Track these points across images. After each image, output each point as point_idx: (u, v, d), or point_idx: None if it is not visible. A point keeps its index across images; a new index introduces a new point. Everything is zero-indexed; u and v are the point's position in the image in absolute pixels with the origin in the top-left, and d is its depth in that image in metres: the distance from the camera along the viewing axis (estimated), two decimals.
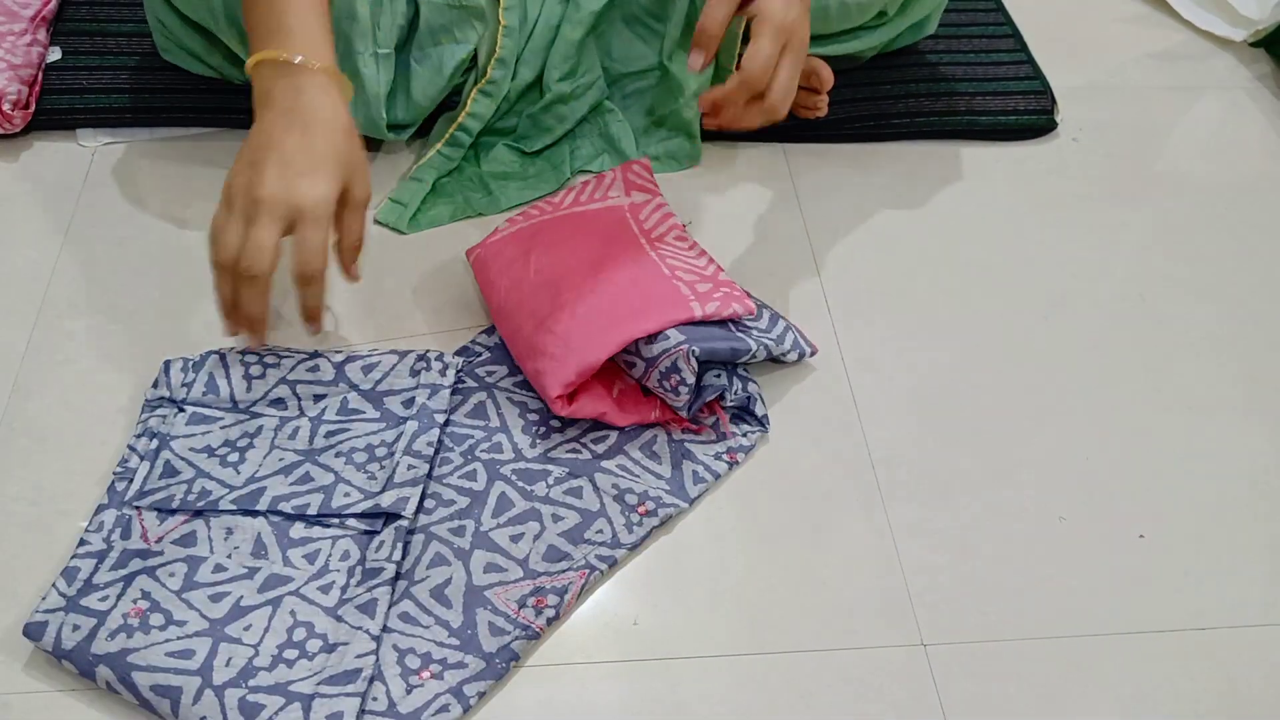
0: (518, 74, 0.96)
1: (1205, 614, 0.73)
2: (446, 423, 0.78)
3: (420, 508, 0.73)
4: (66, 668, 0.65)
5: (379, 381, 0.79)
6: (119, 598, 0.67)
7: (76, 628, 0.65)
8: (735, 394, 0.78)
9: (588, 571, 0.71)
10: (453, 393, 0.79)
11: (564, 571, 0.71)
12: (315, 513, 0.71)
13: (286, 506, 0.72)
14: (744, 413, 0.80)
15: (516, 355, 0.80)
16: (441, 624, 0.68)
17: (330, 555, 0.70)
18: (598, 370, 0.75)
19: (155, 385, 0.78)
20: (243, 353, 0.79)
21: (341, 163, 0.73)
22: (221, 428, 0.76)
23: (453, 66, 0.93)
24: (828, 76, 0.97)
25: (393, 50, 0.90)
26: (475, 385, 0.81)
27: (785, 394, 0.83)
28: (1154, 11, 1.23)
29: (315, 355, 0.79)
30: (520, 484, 0.75)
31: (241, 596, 0.68)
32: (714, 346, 0.75)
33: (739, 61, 0.79)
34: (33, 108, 0.97)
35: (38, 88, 0.99)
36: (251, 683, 0.64)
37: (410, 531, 0.72)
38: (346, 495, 0.72)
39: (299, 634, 0.66)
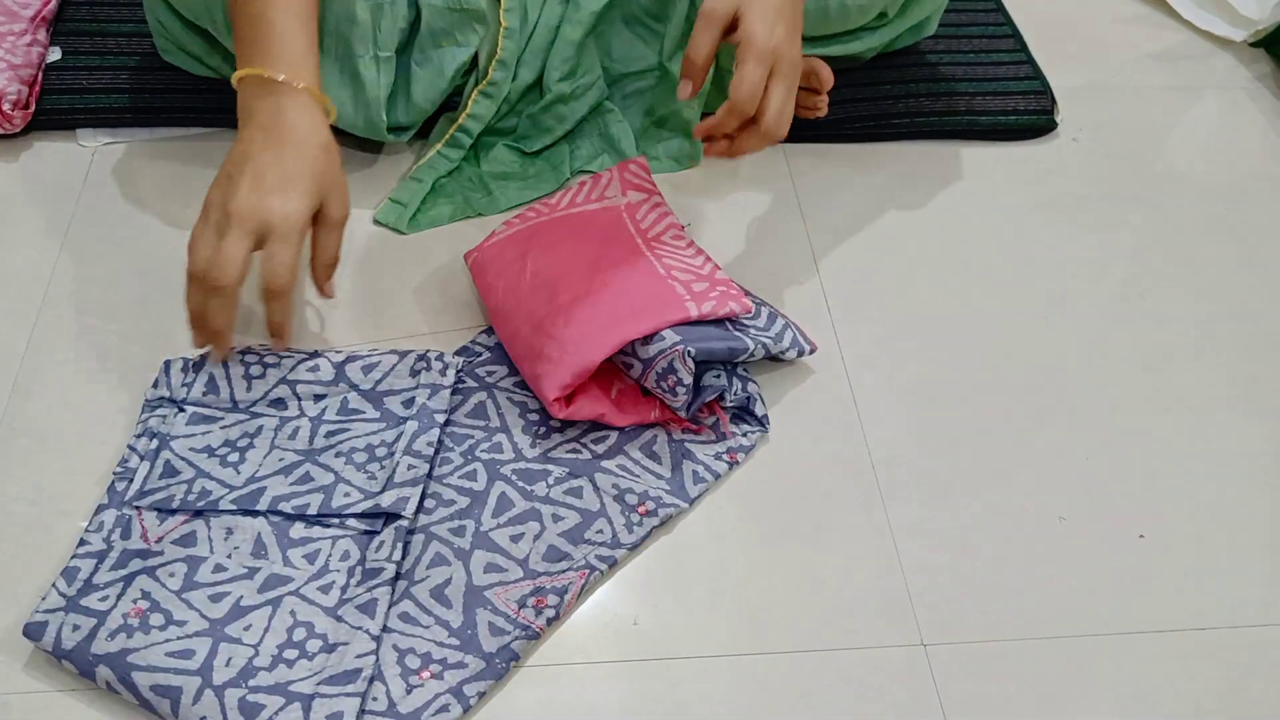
0: (518, 75, 0.96)
1: (1205, 614, 0.73)
2: (447, 423, 0.78)
3: (420, 508, 0.73)
4: (66, 668, 0.65)
5: (379, 381, 0.79)
6: (119, 598, 0.67)
7: (76, 628, 0.65)
8: (735, 394, 0.78)
9: (588, 571, 0.71)
10: (453, 393, 0.79)
11: (564, 571, 0.71)
12: (315, 513, 0.71)
13: (286, 506, 0.72)
14: (744, 413, 0.80)
15: (514, 358, 0.80)
16: (441, 624, 0.68)
17: (330, 555, 0.70)
18: (596, 371, 0.75)
19: (155, 385, 0.78)
20: (243, 352, 0.79)
21: (317, 181, 0.74)
22: (221, 428, 0.76)
23: (454, 69, 0.93)
24: (827, 77, 0.96)
25: (394, 53, 0.90)
26: (475, 385, 0.81)
27: (785, 394, 0.83)
28: (1154, 11, 1.23)
29: (315, 355, 0.79)
30: (520, 484, 0.75)
31: (241, 596, 0.68)
32: (711, 346, 0.75)
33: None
34: (33, 108, 0.97)
35: (38, 88, 0.99)
36: (251, 683, 0.64)
37: (410, 531, 0.72)
38: (346, 495, 0.72)
39: (299, 634, 0.66)
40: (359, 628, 0.66)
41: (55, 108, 0.98)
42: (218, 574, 0.69)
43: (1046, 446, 0.81)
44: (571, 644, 0.69)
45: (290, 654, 0.65)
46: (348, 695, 0.63)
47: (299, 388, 0.78)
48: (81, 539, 0.70)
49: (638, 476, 0.76)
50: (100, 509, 0.72)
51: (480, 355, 0.83)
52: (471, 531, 0.72)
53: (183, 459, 0.74)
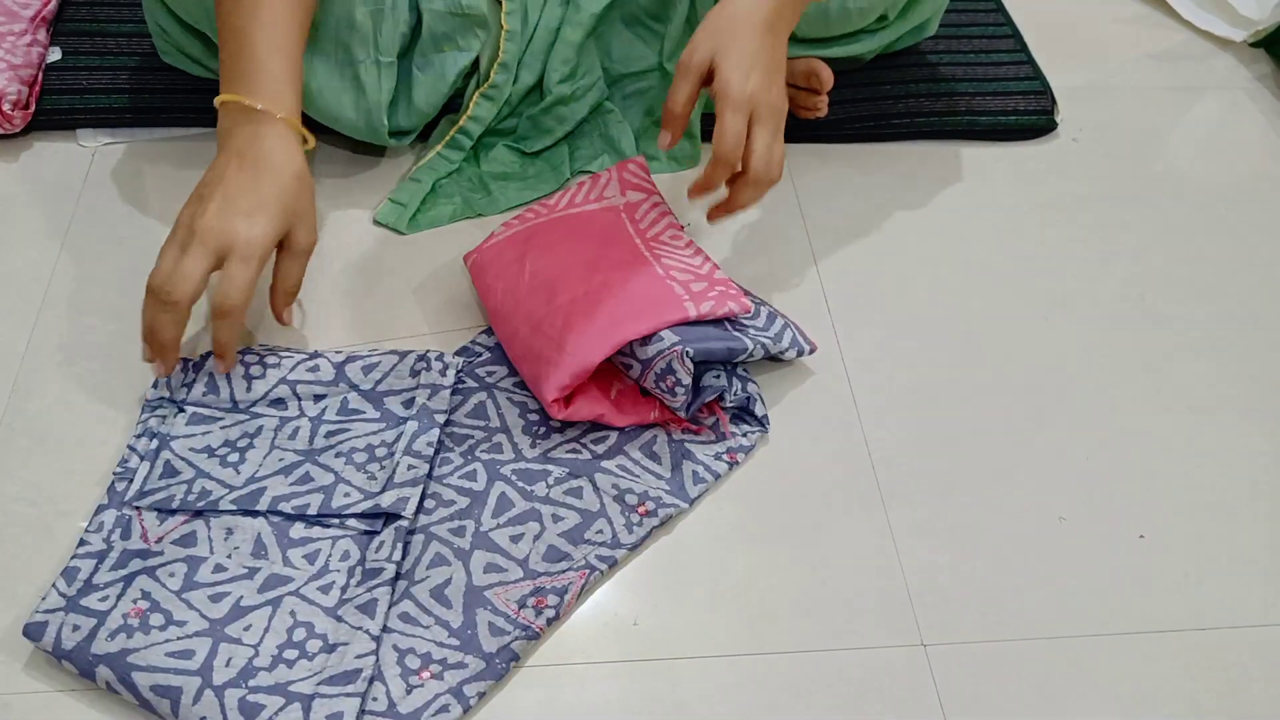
0: (519, 77, 0.96)
1: (1205, 614, 0.73)
2: (447, 423, 0.78)
3: (420, 508, 0.73)
4: (66, 668, 0.65)
5: (379, 382, 0.79)
6: (119, 598, 0.67)
7: (76, 628, 0.65)
8: (735, 394, 0.78)
9: (588, 572, 0.71)
10: (453, 393, 0.79)
11: (564, 572, 0.71)
12: (315, 513, 0.71)
13: (286, 506, 0.72)
14: (744, 413, 0.80)
15: (513, 358, 0.80)
16: (441, 624, 0.68)
17: (330, 555, 0.70)
18: (595, 372, 0.75)
19: (155, 385, 0.78)
20: (242, 352, 0.79)
21: (286, 208, 0.75)
22: (221, 428, 0.76)
23: (455, 73, 0.93)
24: (827, 77, 0.97)
25: (395, 58, 0.90)
26: (475, 385, 0.81)
27: (785, 394, 0.83)
28: (1154, 11, 1.23)
29: (315, 355, 0.79)
30: (520, 484, 0.75)
31: (241, 597, 0.68)
32: (710, 347, 0.75)
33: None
34: (33, 108, 0.97)
35: (38, 88, 0.99)
36: (251, 683, 0.64)
37: (410, 531, 0.72)
38: (346, 495, 0.72)
39: (299, 634, 0.66)
40: (359, 628, 0.66)
41: (55, 108, 0.98)
42: (218, 574, 0.69)
43: (1046, 446, 0.81)
44: (571, 644, 0.69)
45: (290, 654, 0.65)
46: (348, 695, 0.63)
47: (299, 388, 0.78)
48: (81, 539, 0.70)
49: (638, 477, 0.76)
50: (100, 509, 0.72)
51: (480, 355, 0.83)
52: (471, 531, 0.72)
53: (183, 459, 0.74)
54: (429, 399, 0.77)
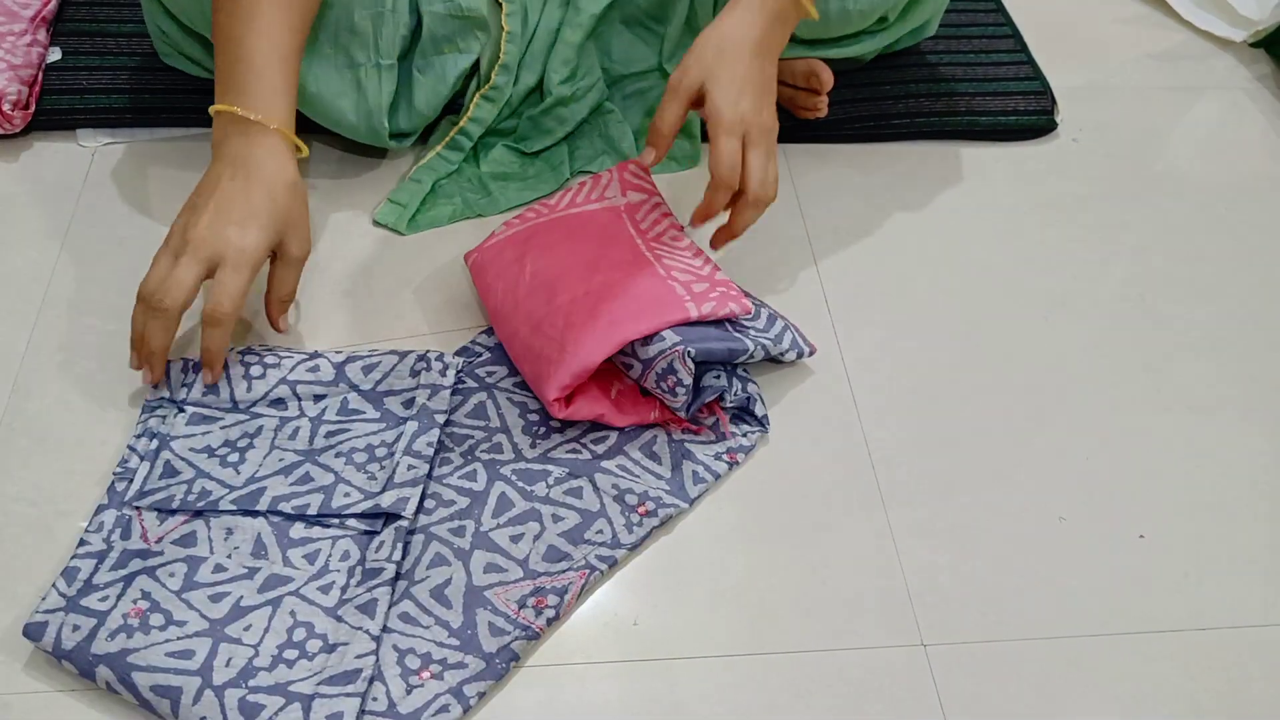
0: (519, 79, 0.96)
1: (1205, 614, 0.73)
2: (447, 423, 0.78)
3: (420, 508, 0.73)
4: (66, 668, 0.65)
5: (379, 382, 0.79)
6: (119, 598, 0.67)
7: (76, 628, 0.65)
8: (735, 394, 0.78)
9: (588, 572, 0.71)
10: (453, 393, 0.79)
11: (564, 572, 0.71)
12: (315, 513, 0.71)
13: (286, 507, 0.72)
14: (744, 413, 0.80)
15: (514, 358, 0.80)
16: (441, 624, 0.68)
17: (330, 555, 0.70)
18: (595, 372, 0.75)
19: (155, 386, 0.78)
20: (242, 353, 0.79)
21: (278, 218, 0.76)
22: (221, 428, 0.76)
23: (455, 75, 0.93)
24: (827, 78, 0.97)
25: (395, 61, 0.90)
26: (475, 385, 0.81)
27: (785, 394, 0.83)
28: (1154, 11, 1.23)
29: (315, 355, 0.79)
30: (520, 484, 0.75)
31: (241, 597, 0.68)
32: (710, 347, 0.75)
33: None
34: (33, 108, 0.97)
35: (38, 88, 0.99)
36: (251, 683, 0.64)
37: (410, 532, 0.72)
38: (346, 495, 0.72)
39: (299, 634, 0.66)
40: (359, 628, 0.66)
41: (55, 108, 0.98)
42: (218, 574, 0.69)
43: (1046, 446, 0.81)
44: (571, 644, 0.69)
45: (290, 654, 0.65)
46: (348, 695, 0.63)
47: (299, 388, 0.78)
48: (81, 539, 0.70)
49: (638, 477, 0.76)
50: (100, 509, 0.72)
51: (480, 355, 0.83)
52: (471, 532, 0.72)
53: (183, 459, 0.74)
54: (429, 399, 0.77)
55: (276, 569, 0.69)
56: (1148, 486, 0.80)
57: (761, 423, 0.79)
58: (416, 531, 0.72)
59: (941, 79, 1.08)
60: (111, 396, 0.79)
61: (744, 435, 0.79)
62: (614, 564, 0.72)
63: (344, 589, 0.69)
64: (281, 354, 0.79)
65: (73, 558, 0.69)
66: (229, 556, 0.70)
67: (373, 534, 0.71)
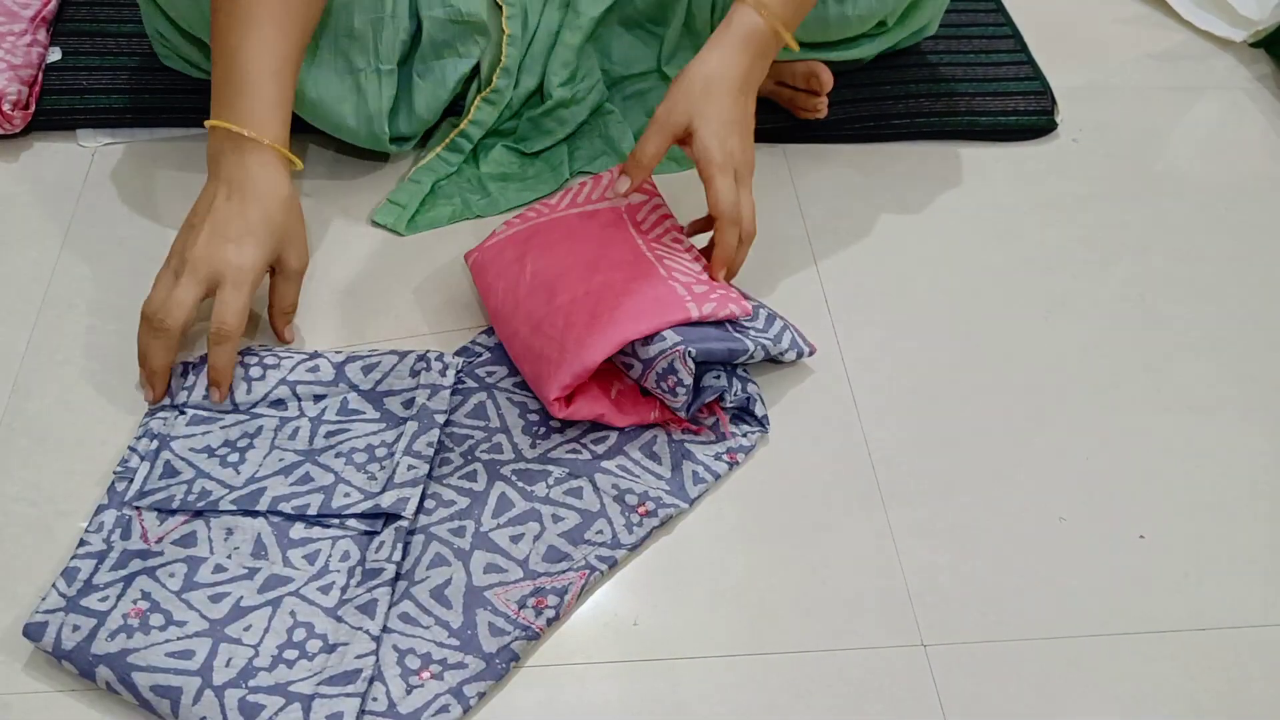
0: (520, 81, 0.96)
1: (1205, 614, 0.73)
2: (447, 423, 0.78)
3: (420, 508, 0.73)
4: (66, 668, 0.65)
5: (379, 382, 0.79)
6: (119, 598, 0.67)
7: (76, 628, 0.65)
8: (735, 395, 0.78)
9: (588, 572, 0.71)
10: (453, 393, 0.79)
11: (564, 572, 0.71)
12: (315, 513, 0.71)
13: (286, 507, 0.72)
14: (744, 413, 0.80)
15: (514, 358, 0.80)
16: (441, 624, 0.68)
17: (330, 556, 0.70)
18: (595, 372, 0.75)
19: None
20: (242, 354, 0.79)
21: (275, 234, 0.77)
22: (221, 428, 0.76)
23: (455, 79, 0.93)
24: (827, 79, 0.97)
25: (395, 66, 0.90)
26: (475, 386, 0.81)
27: (785, 394, 0.83)
28: (1154, 11, 1.23)
29: (315, 355, 0.79)
30: (520, 484, 0.75)
31: (241, 597, 0.68)
32: (711, 347, 0.75)
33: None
34: (33, 108, 0.97)
35: (38, 88, 0.99)
36: (251, 683, 0.64)
37: (410, 532, 0.72)
38: (346, 495, 0.72)
39: (299, 634, 0.66)
40: (359, 628, 0.66)
41: (55, 108, 0.98)
42: (218, 574, 0.69)
43: (1046, 446, 0.81)
44: (571, 644, 0.69)
45: (290, 654, 0.65)
46: (348, 695, 0.63)
47: (299, 388, 0.78)
48: (81, 539, 0.70)
49: (638, 477, 0.76)
50: (100, 509, 0.72)
51: (480, 355, 0.83)
52: (471, 532, 0.72)
53: (183, 459, 0.74)
54: (429, 399, 0.77)
55: (276, 569, 0.69)
56: (1148, 486, 0.80)
57: (761, 423, 0.79)
58: (416, 532, 0.72)
59: (941, 79, 1.08)
60: (111, 396, 0.79)
61: (744, 435, 0.79)
62: (614, 564, 0.72)
63: (344, 589, 0.69)
64: (281, 354, 0.79)
65: (73, 558, 0.69)
66: (229, 557, 0.70)
67: (373, 534, 0.71)
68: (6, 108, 0.94)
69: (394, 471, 0.73)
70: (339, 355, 0.80)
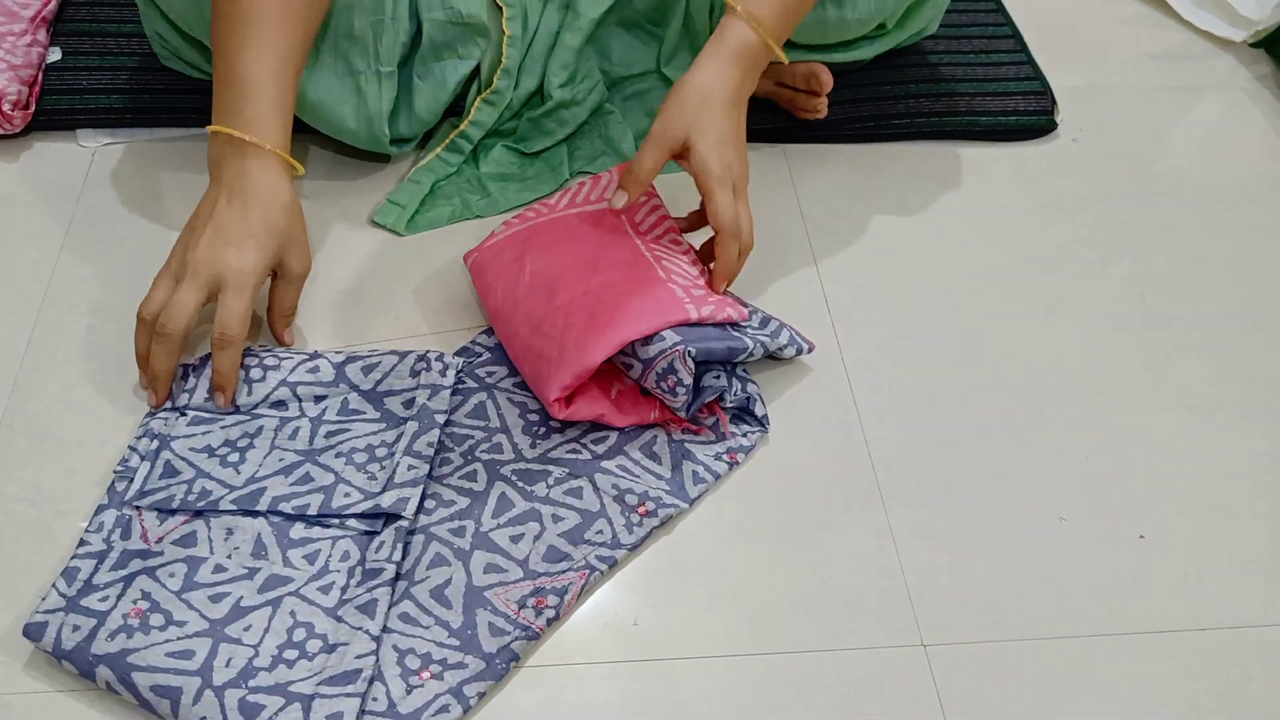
0: (520, 83, 0.96)
1: (1205, 614, 0.73)
2: (447, 423, 0.78)
3: (420, 508, 0.73)
4: (66, 668, 0.65)
5: (379, 382, 0.79)
6: (119, 598, 0.67)
7: (76, 628, 0.65)
8: (735, 394, 0.78)
9: (588, 572, 0.71)
10: (453, 393, 0.79)
11: (564, 572, 0.71)
12: (315, 513, 0.71)
13: (286, 507, 0.72)
14: (744, 413, 0.80)
15: (514, 358, 0.80)
16: (441, 624, 0.68)
17: (330, 556, 0.70)
18: (595, 372, 0.75)
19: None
20: (243, 354, 0.79)
21: (276, 238, 0.77)
22: (222, 428, 0.76)
23: (455, 81, 0.93)
24: (827, 80, 0.96)
25: (395, 68, 0.90)
26: (475, 386, 0.81)
27: (785, 394, 0.83)
28: (1154, 11, 1.23)
29: (315, 356, 0.79)
30: (520, 484, 0.75)
31: (241, 597, 0.68)
32: (710, 346, 0.75)
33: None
34: (33, 108, 0.97)
35: (38, 88, 0.99)
36: (251, 683, 0.64)
37: (410, 532, 0.72)
38: (346, 495, 0.72)
39: (299, 634, 0.66)
40: (359, 628, 0.66)
41: (55, 108, 0.98)
42: (218, 574, 0.69)
43: (1046, 446, 0.81)
44: (571, 644, 0.69)
45: (290, 654, 0.65)
46: (348, 695, 0.63)
47: (299, 389, 0.78)
48: (81, 539, 0.70)
49: (638, 477, 0.76)
50: (100, 509, 0.72)
51: (480, 355, 0.83)
52: (471, 532, 0.72)
53: (183, 459, 0.74)
54: (429, 399, 0.77)
55: (276, 569, 0.69)
56: (1148, 486, 0.80)
57: (761, 423, 0.79)
58: (416, 532, 0.72)
59: (941, 79, 1.08)
60: (111, 396, 0.79)
61: (744, 435, 0.79)
62: (614, 564, 0.72)
63: (344, 589, 0.69)
64: (281, 355, 0.79)
65: (73, 558, 0.69)
66: (229, 557, 0.70)
67: (373, 534, 0.71)
68: (6, 108, 0.94)
69: (394, 471, 0.73)
70: (339, 356, 0.80)
